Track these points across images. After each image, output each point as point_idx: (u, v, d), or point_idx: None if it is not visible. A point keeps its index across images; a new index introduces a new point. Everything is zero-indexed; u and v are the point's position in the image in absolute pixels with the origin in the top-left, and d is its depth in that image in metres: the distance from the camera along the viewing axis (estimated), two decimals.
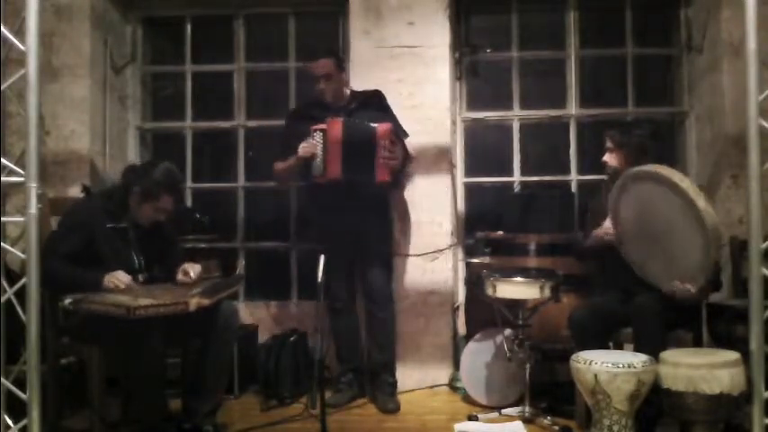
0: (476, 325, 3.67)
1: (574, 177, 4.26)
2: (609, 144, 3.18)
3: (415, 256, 3.87)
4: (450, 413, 3.39)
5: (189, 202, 4.36)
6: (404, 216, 3.88)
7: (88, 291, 2.70)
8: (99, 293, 2.70)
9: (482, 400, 3.50)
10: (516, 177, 4.30)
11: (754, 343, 2.62)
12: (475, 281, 3.45)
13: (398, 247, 3.85)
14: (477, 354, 3.56)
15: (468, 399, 3.56)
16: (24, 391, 2.55)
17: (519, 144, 4.30)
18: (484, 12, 4.42)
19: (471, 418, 3.24)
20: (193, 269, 2.97)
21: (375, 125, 3.41)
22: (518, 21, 4.32)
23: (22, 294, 2.56)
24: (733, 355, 2.68)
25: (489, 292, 3.20)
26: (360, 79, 3.87)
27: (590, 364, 2.69)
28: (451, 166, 4.01)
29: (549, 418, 3.13)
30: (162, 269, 3.04)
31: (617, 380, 2.62)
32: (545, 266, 3.39)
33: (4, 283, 2.61)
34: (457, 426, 3.13)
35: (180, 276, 2.96)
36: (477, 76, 4.36)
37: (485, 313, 3.44)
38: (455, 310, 3.98)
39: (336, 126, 3.40)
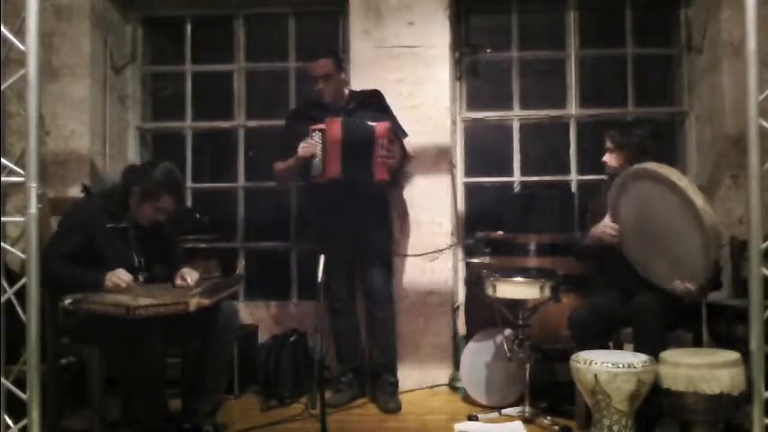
0: (476, 325, 3.67)
1: (574, 177, 4.26)
2: (609, 144, 3.18)
3: (414, 256, 3.87)
4: (450, 413, 3.39)
5: (189, 202, 4.35)
6: (403, 216, 3.88)
7: (89, 290, 2.70)
8: (99, 293, 2.70)
9: (482, 400, 3.50)
10: (516, 177, 4.30)
11: (754, 343, 2.62)
12: (475, 281, 3.45)
13: (398, 247, 3.85)
14: (477, 354, 3.56)
15: (468, 399, 3.56)
16: (24, 391, 2.55)
17: (519, 144, 4.30)
18: (484, 12, 4.42)
19: (471, 418, 3.24)
20: (191, 275, 2.97)
21: (374, 124, 3.41)
22: (518, 21, 4.32)
23: (22, 294, 2.56)
24: (733, 355, 2.68)
25: (489, 292, 3.20)
26: (360, 79, 3.87)
27: (590, 364, 2.69)
28: (451, 166, 4.01)
29: (549, 418, 3.13)
30: (162, 269, 3.04)
31: (617, 380, 2.62)
32: (545, 266, 3.39)
33: (4, 283, 2.61)
34: (457, 426, 3.13)
35: (178, 281, 2.96)
36: (477, 76, 4.36)
37: (485, 313, 3.44)
38: (455, 310, 3.98)
39: (335, 126, 3.40)
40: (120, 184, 3.02)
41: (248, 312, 4.16)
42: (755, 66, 2.61)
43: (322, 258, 2.76)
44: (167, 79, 4.60)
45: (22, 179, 2.57)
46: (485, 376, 3.52)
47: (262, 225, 4.45)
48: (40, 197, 2.59)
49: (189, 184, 4.38)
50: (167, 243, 3.11)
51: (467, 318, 3.83)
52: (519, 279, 3.18)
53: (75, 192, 3.75)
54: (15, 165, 2.61)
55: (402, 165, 3.63)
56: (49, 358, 2.89)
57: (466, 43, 4.31)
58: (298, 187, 4.02)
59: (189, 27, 4.46)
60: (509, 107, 4.32)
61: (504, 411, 3.27)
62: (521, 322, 3.25)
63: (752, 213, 2.62)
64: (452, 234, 3.93)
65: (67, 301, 2.65)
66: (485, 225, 4.02)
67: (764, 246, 2.63)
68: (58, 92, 3.97)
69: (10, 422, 2.60)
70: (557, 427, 3.04)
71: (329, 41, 4.18)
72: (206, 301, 2.71)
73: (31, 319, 2.54)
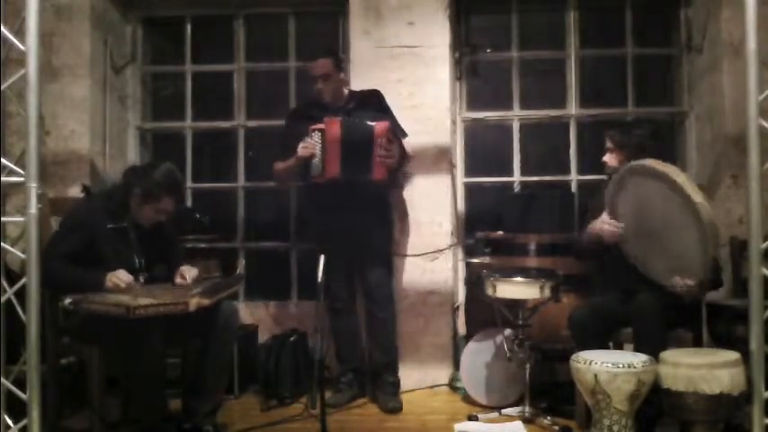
0: (476, 325, 3.67)
1: (574, 177, 4.26)
2: (609, 144, 3.18)
3: (414, 256, 3.87)
4: (450, 413, 3.39)
5: (189, 202, 4.35)
6: (403, 216, 3.88)
7: (90, 291, 2.70)
8: (99, 293, 2.71)
9: (482, 400, 3.50)
10: (516, 177, 4.30)
11: (754, 343, 2.62)
12: (475, 281, 3.45)
13: (398, 247, 3.85)
14: (477, 354, 3.56)
15: (468, 399, 3.56)
16: (24, 391, 2.55)
17: (519, 144, 4.30)
18: (484, 12, 4.42)
19: (471, 418, 3.24)
20: (190, 272, 2.97)
21: (372, 124, 3.41)
22: (518, 21, 4.32)
23: (22, 294, 2.56)
24: (733, 355, 2.68)
25: (489, 292, 3.20)
26: (360, 79, 3.87)
27: (590, 364, 2.69)
28: (451, 166, 4.01)
29: (549, 418, 3.13)
30: (162, 269, 3.04)
31: (617, 380, 2.62)
32: (545, 266, 3.39)
33: (4, 283, 2.61)
34: (457, 426, 3.13)
35: (177, 279, 2.97)
36: (477, 76, 4.36)
37: (485, 313, 3.44)
38: (455, 310, 3.98)
39: (335, 126, 3.40)
40: (121, 185, 3.02)
41: (248, 312, 4.16)
42: (755, 66, 2.61)
43: (322, 258, 2.76)
44: (167, 79, 4.60)
45: (22, 179, 2.57)
46: (485, 376, 3.52)
47: (262, 225, 4.45)
48: (40, 197, 2.59)
49: (189, 184, 4.38)
50: (168, 243, 3.11)
51: (467, 318, 3.83)
52: (519, 279, 3.18)
53: (75, 192, 3.75)
54: (15, 165, 2.61)
55: (401, 164, 3.63)
56: (49, 358, 2.89)
57: (466, 43, 4.31)
58: (298, 187, 4.02)
59: (189, 27, 4.45)
60: (509, 107, 4.32)
61: (504, 411, 3.27)
62: (521, 322, 3.25)
63: (752, 213, 2.62)
64: (452, 234, 3.93)
65: (67, 301, 2.66)
66: (485, 225, 4.02)
67: (764, 246, 2.63)
68: (58, 92, 3.97)
69: (10, 422, 2.60)
70: (557, 427, 3.04)
71: (329, 41, 4.18)
72: (206, 301, 2.71)
73: (31, 319, 2.54)
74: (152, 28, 4.52)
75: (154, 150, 4.54)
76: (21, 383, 2.57)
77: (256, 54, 4.44)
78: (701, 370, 2.61)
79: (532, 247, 3.63)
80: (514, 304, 3.25)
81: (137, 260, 2.93)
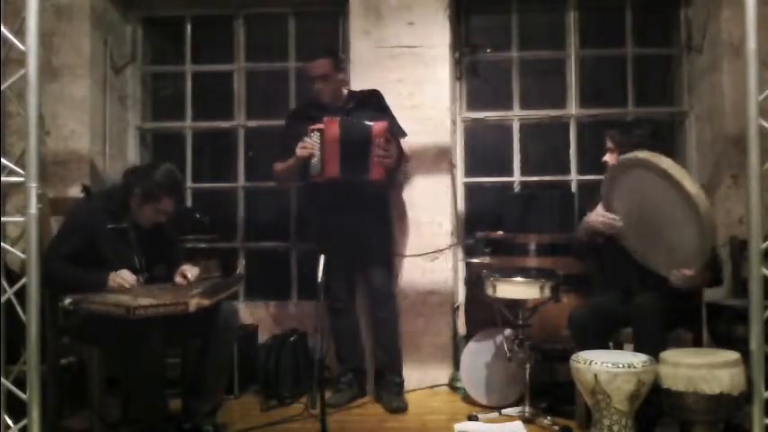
0: (476, 325, 3.67)
1: (574, 177, 4.26)
2: (609, 144, 3.18)
3: (415, 256, 3.86)
4: (450, 413, 3.39)
5: (189, 202, 4.35)
6: (403, 216, 3.88)
7: (93, 291, 2.71)
8: (99, 293, 2.71)
9: (482, 400, 3.50)
10: (516, 177, 4.30)
11: (754, 343, 2.62)
12: (475, 281, 3.45)
13: (398, 247, 3.84)
14: (477, 354, 3.56)
15: (468, 399, 3.56)
16: (24, 391, 2.55)
17: (519, 144, 4.30)
18: (484, 12, 4.42)
19: (471, 418, 3.24)
20: (191, 272, 2.98)
21: (371, 123, 3.41)
22: (518, 21, 4.32)
23: (22, 294, 2.56)
24: (733, 355, 2.68)
25: (489, 292, 3.20)
26: (360, 79, 3.87)
27: (590, 364, 2.69)
28: (451, 166, 4.01)
29: (549, 418, 3.13)
30: (162, 269, 3.04)
31: (617, 380, 2.62)
32: (545, 266, 3.39)
33: (4, 283, 2.61)
34: (457, 426, 3.13)
35: (177, 279, 2.97)
36: (477, 76, 4.36)
37: (485, 313, 3.44)
38: (455, 310, 3.98)
39: (333, 126, 3.40)
40: (121, 186, 3.02)
41: (248, 312, 4.16)
42: (755, 66, 2.61)
43: (322, 258, 2.76)
44: (167, 79, 4.60)
45: (22, 179, 2.57)
46: (485, 376, 3.52)
47: (262, 225, 4.45)
48: (40, 197, 2.59)
49: (189, 184, 4.37)
50: (168, 243, 3.11)
51: (467, 318, 3.83)
52: (519, 279, 3.18)
53: (75, 192, 3.74)
54: (15, 165, 2.61)
55: (399, 165, 3.63)
56: (49, 358, 2.89)
57: (466, 43, 4.31)
58: (297, 187, 4.02)
59: (189, 27, 4.45)
60: (509, 107, 4.32)
61: (504, 411, 3.27)
62: (521, 322, 3.25)
63: (752, 213, 2.62)
64: (452, 234, 3.93)
65: (67, 301, 2.66)
66: (485, 225, 4.02)
67: (764, 246, 2.63)
68: (58, 92, 3.97)
69: (10, 422, 2.60)
70: (557, 427, 3.04)
71: (329, 41, 4.18)
72: (206, 302, 2.71)
73: (31, 319, 2.54)
74: (152, 28, 4.52)
75: (154, 150, 4.54)
76: (21, 383, 2.57)
77: (256, 54, 4.44)
78: (700, 370, 2.61)
79: (532, 247, 3.63)
80: (514, 304, 3.25)
81: (137, 260, 2.93)
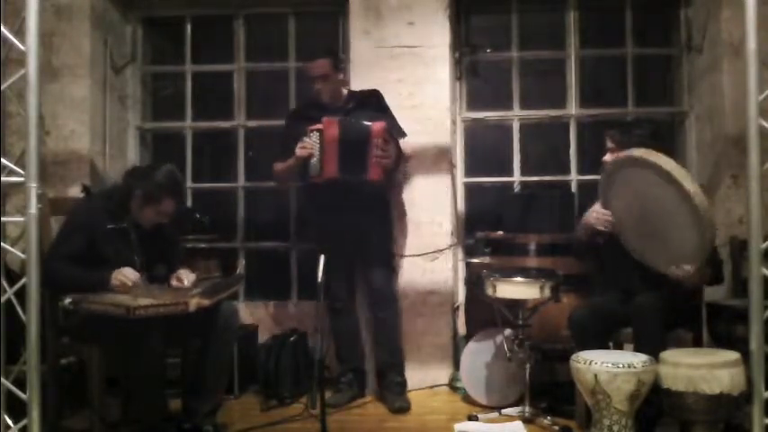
0: (476, 325, 3.67)
1: (574, 177, 4.26)
2: (609, 144, 3.18)
3: (415, 256, 3.86)
4: (450, 413, 3.39)
5: (189, 202, 4.35)
6: (403, 216, 3.88)
7: (95, 290, 2.71)
8: (99, 293, 2.70)
9: (482, 400, 3.50)
10: (516, 177, 4.30)
11: (754, 343, 2.62)
12: (475, 281, 3.45)
13: (398, 248, 3.84)
14: (477, 354, 3.56)
15: (468, 399, 3.56)
16: (24, 391, 2.55)
17: (519, 144, 4.30)
18: (484, 12, 4.42)
19: (471, 418, 3.24)
20: (188, 277, 2.97)
21: (369, 123, 3.42)
22: (518, 21, 4.32)
23: (22, 294, 2.56)
24: (733, 355, 2.68)
25: (489, 292, 3.20)
26: (360, 79, 3.87)
27: (590, 364, 2.69)
28: (451, 166, 4.01)
29: (549, 418, 3.13)
30: (162, 269, 3.03)
31: (617, 380, 2.62)
32: (545, 266, 3.39)
33: (4, 283, 2.61)
34: (457, 426, 3.13)
35: (174, 282, 2.96)
36: (477, 76, 4.36)
37: (485, 313, 3.44)
38: (455, 310, 3.98)
39: (333, 126, 3.40)
40: (122, 186, 3.02)
41: (248, 312, 4.16)
42: (755, 66, 2.61)
43: (322, 258, 2.76)
44: (167, 79, 4.60)
45: (22, 179, 2.57)
46: (485, 376, 3.52)
47: (262, 225, 4.45)
48: (40, 197, 2.60)
49: (189, 184, 4.37)
50: (168, 243, 3.11)
51: (467, 318, 3.83)
52: (519, 279, 3.18)
53: (75, 192, 3.74)
54: (15, 165, 2.61)
55: (397, 165, 3.62)
56: (49, 358, 2.89)
57: (466, 43, 4.31)
58: (297, 187, 4.02)
59: (189, 27, 4.45)
60: (509, 107, 4.32)
61: (504, 411, 3.27)
62: (521, 322, 3.25)
63: (752, 213, 2.62)
64: (452, 234, 3.93)
65: (67, 301, 2.66)
66: (485, 225, 4.02)
67: (764, 246, 2.63)
68: (58, 92, 3.97)
69: (10, 422, 2.60)
70: (557, 427, 3.04)
71: (329, 41, 4.18)
72: (206, 302, 2.71)
73: (31, 319, 2.54)
74: (152, 28, 4.52)
75: (154, 150, 4.54)
76: (21, 383, 2.57)
77: (256, 54, 4.44)
78: (701, 370, 2.61)
79: (532, 247, 3.63)
80: (514, 304, 3.25)
81: (137, 260, 2.93)
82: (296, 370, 3.67)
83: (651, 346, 2.79)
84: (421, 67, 3.92)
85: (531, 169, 4.31)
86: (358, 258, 3.63)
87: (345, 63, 3.91)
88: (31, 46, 2.56)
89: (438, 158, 3.90)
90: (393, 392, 3.54)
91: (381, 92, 3.66)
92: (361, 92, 3.67)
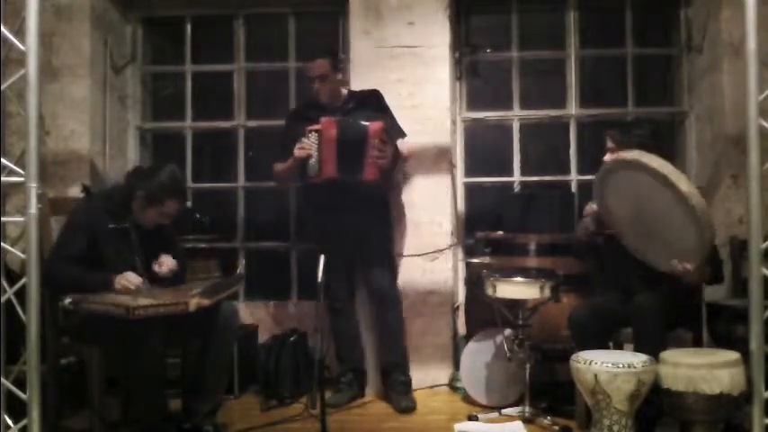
0: (476, 325, 3.67)
1: (574, 177, 4.26)
2: (610, 144, 3.17)
3: (414, 256, 3.86)
4: (450, 413, 3.39)
5: (189, 202, 4.35)
6: (403, 216, 3.88)
7: (99, 292, 2.71)
8: (99, 294, 2.71)
9: (482, 400, 3.50)
10: (516, 177, 4.30)
11: (754, 343, 2.62)
12: (475, 281, 3.45)
13: (398, 247, 3.84)
14: (477, 354, 3.56)
15: (468, 399, 3.56)
16: (24, 391, 2.55)
17: (519, 144, 4.30)
18: (484, 12, 4.42)
19: (471, 418, 3.24)
20: (167, 262, 2.95)
21: (367, 123, 3.41)
22: (518, 21, 4.32)
23: (22, 294, 2.57)
24: (733, 355, 2.68)
25: (489, 292, 3.20)
26: (360, 79, 3.87)
27: (590, 364, 2.69)
28: (451, 166, 4.01)
29: (549, 418, 3.13)
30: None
31: (617, 380, 2.62)
32: (545, 266, 3.39)
33: (4, 283, 2.61)
34: (457, 426, 3.13)
35: (155, 268, 2.95)
36: (477, 76, 4.36)
37: (485, 313, 3.44)
38: (455, 310, 3.98)
39: (331, 126, 3.40)
40: (123, 187, 3.02)
41: (248, 312, 4.16)
42: (755, 66, 2.61)
43: (322, 258, 2.76)
44: (167, 79, 4.60)
45: (22, 179, 2.57)
46: (485, 376, 3.52)
47: (262, 225, 4.45)
48: (40, 197, 2.60)
49: (189, 184, 4.37)
50: (168, 243, 3.11)
51: (467, 318, 3.83)
52: (519, 279, 3.18)
53: (75, 192, 3.74)
54: (15, 165, 2.61)
55: (394, 165, 3.60)
56: (49, 358, 2.89)
57: (466, 43, 4.31)
58: (297, 188, 4.02)
59: (189, 27, 4.45)
60: (509, 107, 4.32)
61: (504, 411, 3.27)
62: (521, 322, 3.25)
63: (752, 213, 2.62)
64: (452, 234, 3.93)
65: (67, 301, 2.66)
66: (485, 225, 4.02)
67: (764, 246, 2.63)
68: (58, 92, 3.97)
69: (10, 422, 2.60)
70: (557, 427, 3.04)
71: (329, 41, 4.18)
72: (206, 301, 2.71)
73: (31, 319, 2.54)
74: (152, 28, 4.52)
75: (154, 150, 4.54)
76: (21, 383, 2.57)
77: (256, 54, 4.44)
78: (701, 370, 2.61)
79: (532, 247, 3.63)
80: (514, 304, 3.24)
81: (138, 260, 2.93)
82: (296, 370, 3.67)
83: (651, 346, 2.79)
84: (421, 67, 3.92)
85: (531, 169, 4.31)
86: (358, 259, 3.63)
87: (345, 63, 3.91)
88: (31, 46, 2.56)
89: (438, 158, 3.90)
90: (398, 392, 3.54)
91: (381, 92, 3.65)
92: (361, 92, 3.67)
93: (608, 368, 2.64)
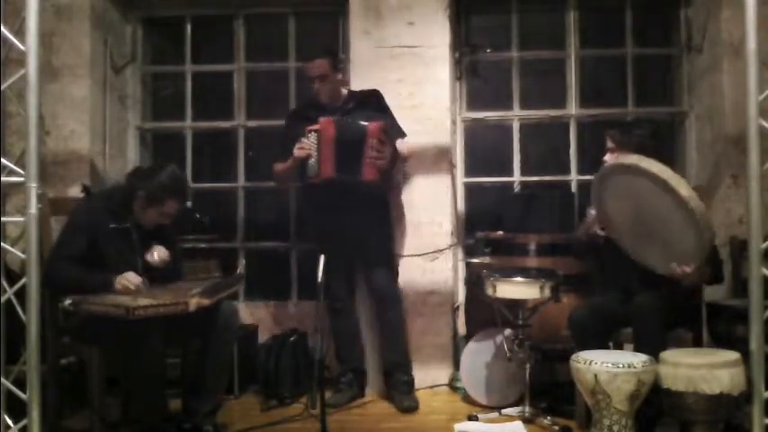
0: (476, 325, 3.67)
1: (574, 177, 4.26)
2: (610, 144, 3.17)
3: (414, 256, 3.86)
4: (450, 413, 3.39)
5: (189, 202, 4.34)
6: (403, 216, 3.88)
7: (99, 293, 2.71)
8: (99, 294, 2.71)
9: (482, 400, 3.50)
10: (516, 177, 4.30)
11: (754, 343, 2.62)
12: (475, 281, 3.45)
13: (398, 247, 3.84)
14: (477, 354, 3.56)
15: (468, 399, 3.56)
16: (24, 391, 2.55)
17: (519, 144, 4.30)
18: (484, 12, 4.42)
19: (471, 418, 3.24)
20: (159, 251, 2.94)
21: (366, 123, 3.41)
22: (518, 21, 4.32)
23: (22, 294, 2.57)
24: (733, 355, 2.68)
25: (489, 292, 3.20)
26: (360, 79, 3.87)
27: (590, 364, 2.69)
28: (451, 166, 4.01)
29: (549, 418, 3.13)
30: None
31: (617, 380, 2.62)
32: (545, 266, 3.39)
33: (4, 283, 2.61)
34: (457, 426, 3.13)
35: (147, 257, 2.94)
36: (477, 76, 4.36)
37: (485, 313, 3.44)
38: (455, 310, 3.98)
39: (330, 126, 3.40)
40: (123, 187, 3.02)
41: (248, 312, 4.16)
42: (755, 66, 2.61)
43: (322, 258, 2.76)
44: (167, 79, 4.60)
45: (22, 179, 2.57)
46: (485, 376, 3.52)
47: (262, 225, 4.45)
48: (40, 197, 2.60)
49: (189, 184, 4.36)
50: (168, 243, 3.10)
51: (467, 318, 3.83)
52: (519, 279, 3.18)
53: (75, 192, 3.75)
54: (15, 165, 2.61)
55: (392, 166, 3.59)
56: (49, 358, 2.89)
57: (466, 43, 4.31)
58: (297, 188, 4.02)
59: (189, 27, 4.45)
60: (509, 107, 4.32)
61: (504, 411, 3.27)
62: (521, 322, 3.25)
63: (752, 213, 2.62)
64: (452, 234, 3.93)
65: (67, 302, 2.66)
66: (485, 225, 4.02)
67: (764, 246, 2.63)
68: (58, 92, 3.97)
69: (10, 422, 2.60)
70: (557, 427, 3.04)
71: (329, 41, 4.18)
72: (206, 301, 2.71)
73: (31, 319, 2.54)
74: (152, 28, 4.52)
75: (154, 150, 4.54)
76: (21, 383, 2.57)
77: (256, 54, 4.44)
78: (700, 370, 2.61)
79: (532, 247, 3.63)
80: (514, 304, 3.24)
81: (138, 260, 2.93)
82: (296, 370, 3.67)
83: (651, 345, 2.79)
84: (421, 67, 3.92)
85: (531, 169, 4.31)
86: (358, 259, 3.63)
87: (345, 63, 3.91)
88: (31, 46, 2.56)
89: (438, 158, 3.90)
90: (401, 392, 3.54)
91: (381, 92, 3.65)
92: (361, 92, 3.67)
93: (608, 368, 2.64)
